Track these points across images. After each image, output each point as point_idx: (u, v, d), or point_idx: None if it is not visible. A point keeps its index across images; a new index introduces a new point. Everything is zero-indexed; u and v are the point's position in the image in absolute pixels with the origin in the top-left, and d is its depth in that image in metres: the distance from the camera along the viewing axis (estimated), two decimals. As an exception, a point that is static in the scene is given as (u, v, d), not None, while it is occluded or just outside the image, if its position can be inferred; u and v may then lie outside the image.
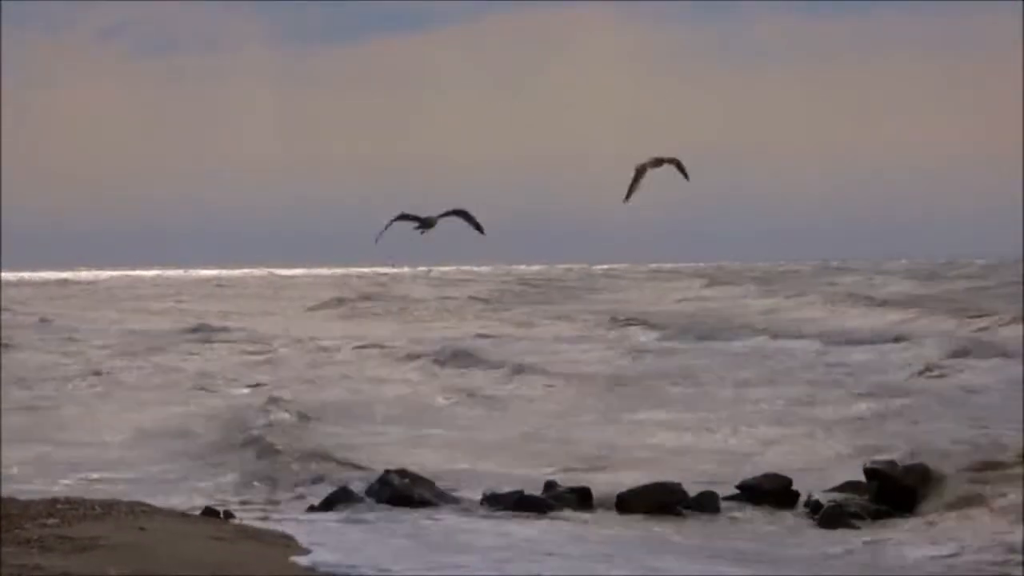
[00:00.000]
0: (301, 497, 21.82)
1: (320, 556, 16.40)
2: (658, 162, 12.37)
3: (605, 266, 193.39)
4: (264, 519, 19.36)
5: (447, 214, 12.47)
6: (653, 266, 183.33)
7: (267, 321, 73.59)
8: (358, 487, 21.17)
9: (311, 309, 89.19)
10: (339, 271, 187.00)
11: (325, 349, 52.04)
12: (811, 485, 21.40)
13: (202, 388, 39.07)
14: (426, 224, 12.31)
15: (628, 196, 12.36)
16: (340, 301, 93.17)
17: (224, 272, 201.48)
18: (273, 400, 33.80)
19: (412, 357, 47.03)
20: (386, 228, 12.37)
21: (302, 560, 16.11)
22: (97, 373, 43.02)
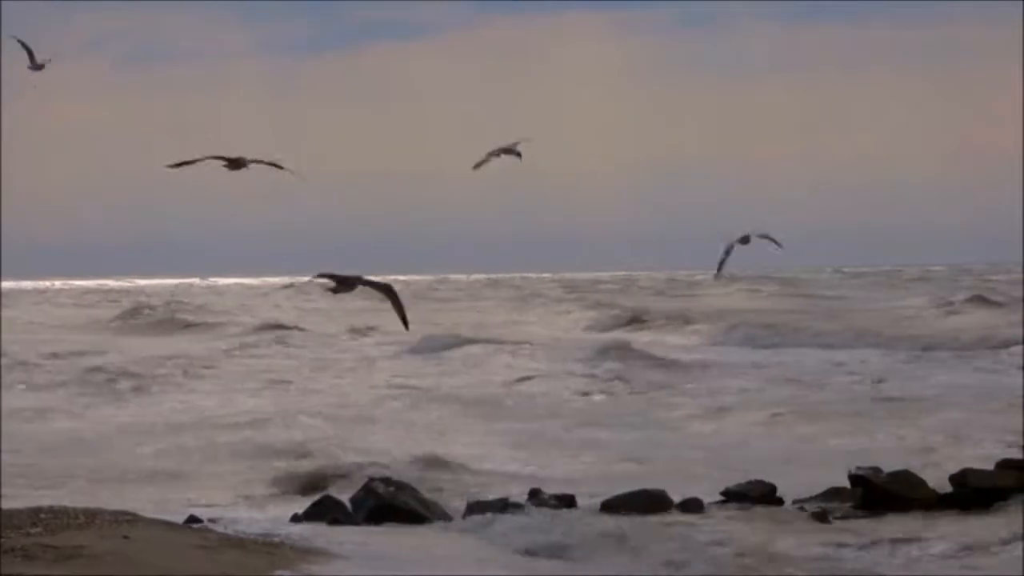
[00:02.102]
0: (287, 504, 21.84)
1: (304, 566, 16.40)
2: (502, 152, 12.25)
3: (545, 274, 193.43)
4: (249, 528, 19.36)
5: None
6: (621, 274, 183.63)
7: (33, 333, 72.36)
8: (343, 495, 21.15)
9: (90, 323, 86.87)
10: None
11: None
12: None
13: None
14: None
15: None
16: (133, 312, 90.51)
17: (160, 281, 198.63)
18: None
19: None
20: None
21: (285, 572, 16.10)
22: None
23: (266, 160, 12.48)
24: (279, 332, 66.91)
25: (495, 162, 12.70)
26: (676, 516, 20.38)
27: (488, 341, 56.19)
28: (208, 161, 12.38)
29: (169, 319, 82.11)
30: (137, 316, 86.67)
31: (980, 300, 73.24)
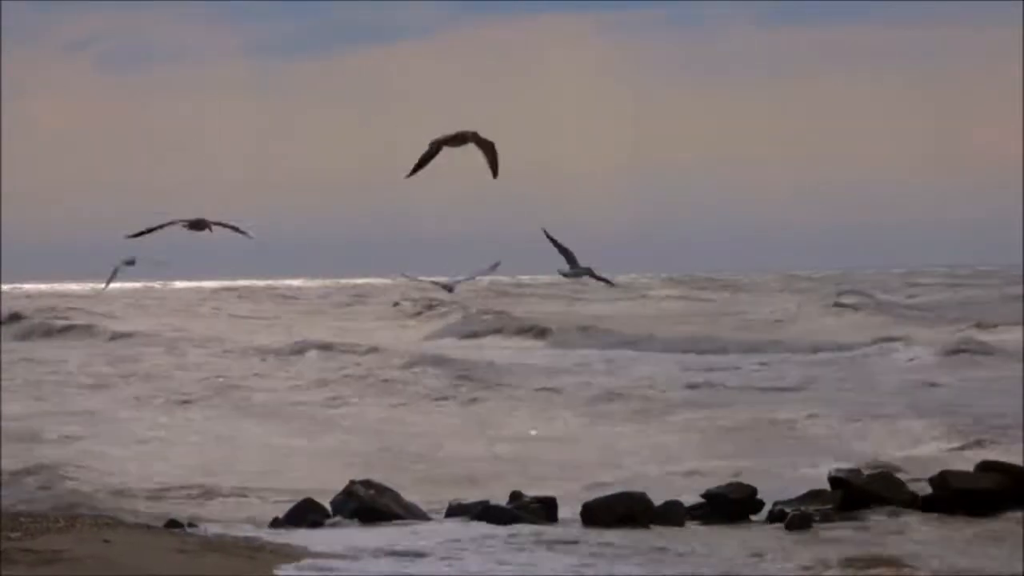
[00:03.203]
0: (266, 508, 21.79)
1: (284, 570, 16.37)
2: (458, 140, 11.98)
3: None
4: (229, 531, 19.31)
5: None
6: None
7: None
8: (323, 499, 21.10)
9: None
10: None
11: None
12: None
13: None
14: None
15: (413, 172, 11.99)
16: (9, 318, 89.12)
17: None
18: None
19: None
20: None
21: (267, 574, 16.07)
22: None
23: (225, 223, 12.57)
24: (132, 339, 66.34)
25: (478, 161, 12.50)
26: (656, 518, 20.44)
27: (323, 347, 56.57)
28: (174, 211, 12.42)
29: (43, 325, 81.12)
30: (12, 323, 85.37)
31: (839, 306, 74.90)
